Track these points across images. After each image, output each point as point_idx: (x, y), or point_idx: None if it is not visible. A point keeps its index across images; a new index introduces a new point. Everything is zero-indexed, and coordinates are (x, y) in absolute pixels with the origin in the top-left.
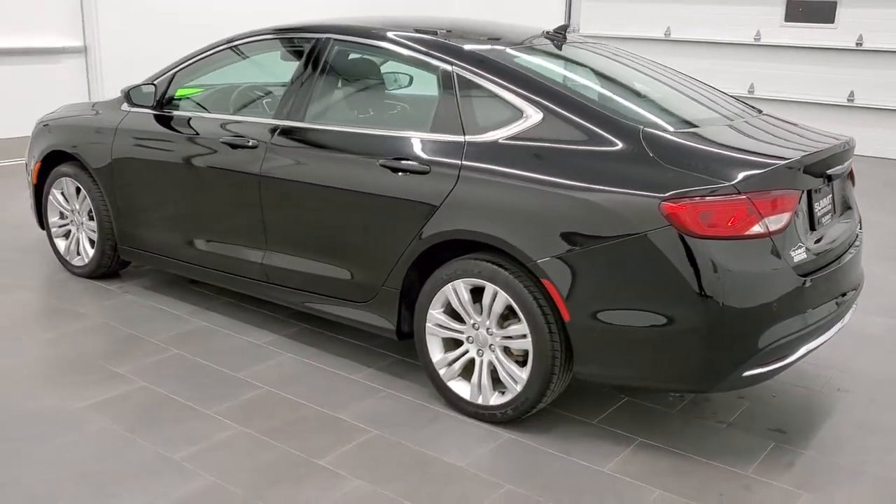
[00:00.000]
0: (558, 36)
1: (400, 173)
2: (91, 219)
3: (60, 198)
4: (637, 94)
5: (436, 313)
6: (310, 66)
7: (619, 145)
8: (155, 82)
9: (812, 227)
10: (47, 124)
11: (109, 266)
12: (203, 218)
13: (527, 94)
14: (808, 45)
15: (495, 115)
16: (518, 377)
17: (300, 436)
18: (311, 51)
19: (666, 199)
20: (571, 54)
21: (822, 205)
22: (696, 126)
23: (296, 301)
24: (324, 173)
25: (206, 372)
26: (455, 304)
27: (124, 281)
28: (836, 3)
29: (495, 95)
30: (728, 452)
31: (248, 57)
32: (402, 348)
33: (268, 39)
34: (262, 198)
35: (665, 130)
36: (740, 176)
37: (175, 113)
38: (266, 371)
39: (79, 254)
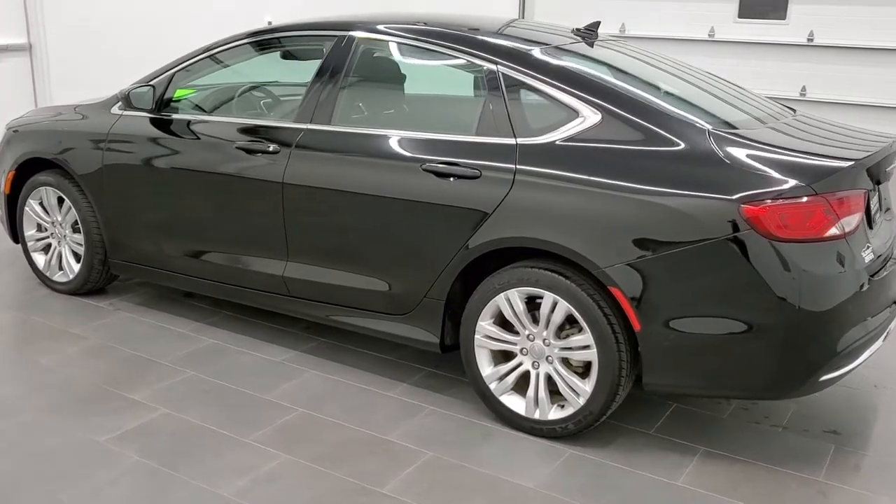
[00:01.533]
0: (590, 34)
1: (447, 178)
2: (76, 231)
3: (39, 209)
4: (686, 95)
5: (485, 324)
6: (334, 66)
7: (686, 146)
8: (153, 83)
9: (870, 227)
10: (17, 130)
11: (97, 281)
12: (212, 228)
13: (582, 94)
14: (761, 41)
15: (548, 117)
16: (581, 390)
17: (352, 461)
18: (335, 50)
19: (746, 202)
20: (606, 53)
21: (874, 204)
22: (753, 127)
23: (318, 314)
24: (358, 179)
25: (229, 395)
26: (508, 315)
27: (112, 297)
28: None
29: (547, 96)
30: (793, 458)
31: (256, 56)
32: (430, 361)
33: (281, 38)
34: (284, 206)
35: (730, 131)
36: (815, 177)
37: (176, 116)
38: (294, 391)
39: (61, 269)
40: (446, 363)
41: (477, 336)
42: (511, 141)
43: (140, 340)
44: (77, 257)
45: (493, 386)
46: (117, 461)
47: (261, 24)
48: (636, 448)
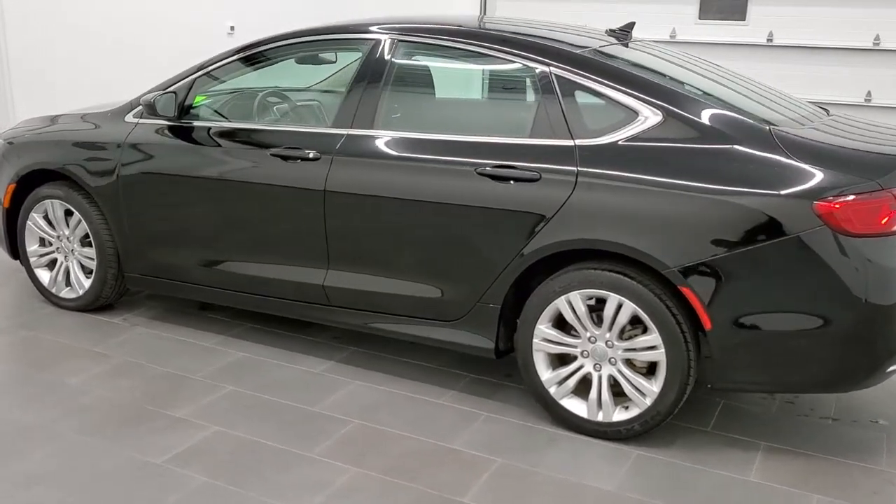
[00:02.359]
0: (625, 34)
1: (504, 182)
2: (86, 245)
3: (43, 223)
4: (726, 96)
5: (544, 328)
6: (373, 70)
7: (751, 145)
8: (174, 90)
9: None
10: (13, 141)
11: (109, 296)
12: (244, 238)
13: (642, 94)
14: (722, 42)
15: (606, 118)
16: (648, 390)
17: (426, 472)
18: (373, 53)
19: (818, 200)
20: (641, 54)
21: None
22: (800, 126)
23: (358, 323)
24: (407, 185)
25: (278, 409)
26: (569, 318)
27: (123, 312)
28: (746, 0)
29: (604, 96)
30: (850, 448)
31: (284, 61)
32: (471, 367)
33: (313, 41)
34: (326, 213)
35: (790, 129)
36: (880, 172)
37: (199, 124)
38: (343, 402)
39: (69, 285)
40: (487, 368)
41: (535, 340)
42: (569, 142)
43: (166, 356)
44: (87, 272)
45: (552, 390)
46: (183, 483)
47: (226, 29)
48: (699, 446)
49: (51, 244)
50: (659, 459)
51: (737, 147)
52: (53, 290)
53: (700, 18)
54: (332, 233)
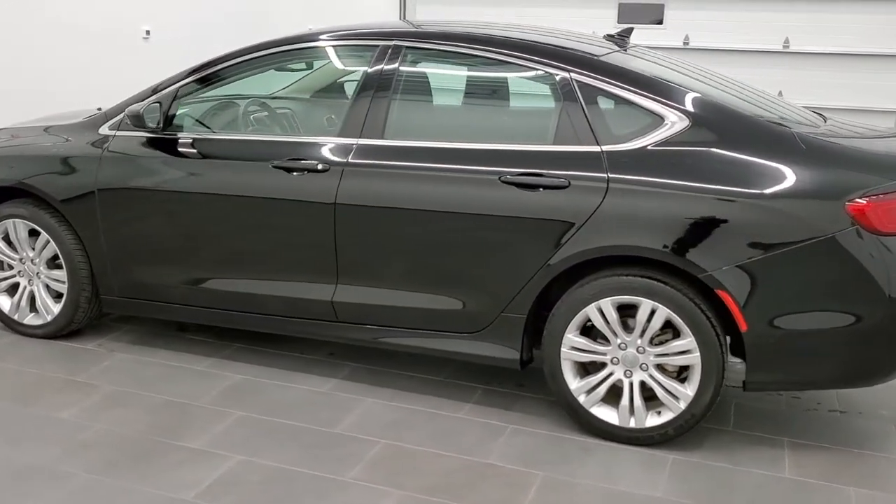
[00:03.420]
0: (623, 40)
1: (532, 189)
2: (55, 267)
3: (1, 244)
4: (747, 101)
5: (572, 336)
6: (382, 77)
7: (778, 148)
8: (158, 99)
9: None
10: None
11: (82, 321)
12: (241, 255)
13: (667, 99)
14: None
15: (630, 123)
16: (682, 394)
17: (471, 490)
18: (381, 59)
19: (850, 200)
20: (644, 60)
21: None
22: (817, 128)
23: (366, 338)
24: (427, 195)
25: (296, 432)
26: (599, 325)
27: (94, 337)
28: (663, 5)
29: (628, 102)
30: (868, 440)
31: (279, 67)
32: (479, 378)
33: (312, 48)
34: (337, 227)
35: (810, 132)
36: None
37: (185, 135)
38: (362, 422)
39: (34, 311)
40: (496, 378)
41: (563, 349)
42: (595, 148)
43: (159, 383)
44: (54, 296)
45: (581, 399)
46: None
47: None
48: (727, 446)
49: (11, 267)
50: (694, 462)
51: (763, 150)
52: (16, 317)
53: (619, 22)
54: (342, 246)
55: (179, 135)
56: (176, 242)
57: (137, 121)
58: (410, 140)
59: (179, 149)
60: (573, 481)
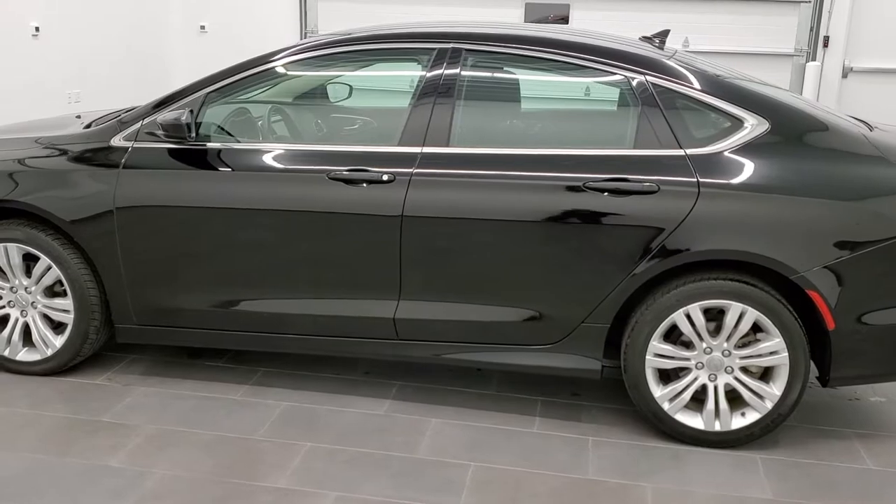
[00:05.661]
0: (661, 42)
1: (620, 195)
2: (53, 295)
3: None
4: (810, 104)
5: (658, 343)
6: (443, 82)
7: (852, 148)
8: (188, 107)
9: None
10: None
11: (88, 353)
12: (289, 274)
13: (745, 103)
14: None
15: (711, 126)
16: (769, 394)
17: None
18: (440, 63)
19: None
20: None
21: None
22: (872, 129)
23: (427, 355)
24: (503, 204)
25: (378, 461)
26: (687, 330)
27: (95, 371)
28: (569, 4)
29: (707, 105)
30: None
31: (320, 73)
32: (533, 389)
33: (356, 51)
34: (402, 240)
35: (876, 133)
36: None
37: (215, 145)
38: (441, 444)
39: (30, 344)
40: (547, 389)
41: (648, 357)
42: (679, 152)
43: (199, 417)
44: (57, 327)
45: (666, 406)
46: None
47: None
48: (801, 441)
49: (0, 297)
50: (782, 461)
51: (842, 152)
52: (6, 354)
53: (525, 22)
54: (407, 261)
55: (216, 144)
56: (212, 263)
57: (174, 130)
58: (480, 147)
59: (217, 160)
60: (684, 489)
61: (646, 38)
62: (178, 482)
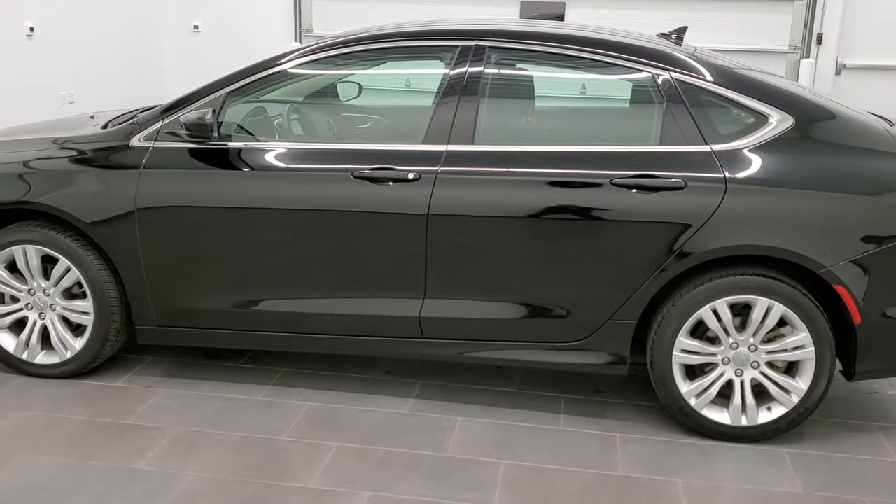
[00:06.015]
0: (679, 39)
1: (648, 192)
2: (72, 297)
3: (5, 274)
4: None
5: (684, 339)
6: (466, 80)
7: (875, 144)
8: (210, 106)
9: None
10: None
11: (107, 356)
12: (313, 273)
13: (769, 98)
14: None
15: (736, 122)
16: (795, 388)
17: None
18: (461, 60)
19: None
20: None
21: None
22: (893, 125)
23: (452, 353)
24: (530, 201)
25: (408, 460)
26: (714, 326)
27: (114, 373)
28: (564, 3)
29: (732, 101)
30: None
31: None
32: (554, 386)
33: (375, 49)
34: (428, 238)
35: (894, 127)
36: None
37: (237, 145)
38: (468, 443)
39: (48, 347)
40: (570, 386)
41: (675, 352)
42: (705, 148)
43: (224, 419)
44: (76, 329)
45: (692, 402)
46: None
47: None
48: (825, 435)
49: (15, 300)
50: (809, 454)
51: (866, 148)
52: (24, 357)
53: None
54: (433, 259)
55: (238, 144)
56: (235, 263)
57: (198, 129)
58: (505, 145)
59: (239, 159)
60: (715, 485)
61: (664, 35)
62: (208, 484)
